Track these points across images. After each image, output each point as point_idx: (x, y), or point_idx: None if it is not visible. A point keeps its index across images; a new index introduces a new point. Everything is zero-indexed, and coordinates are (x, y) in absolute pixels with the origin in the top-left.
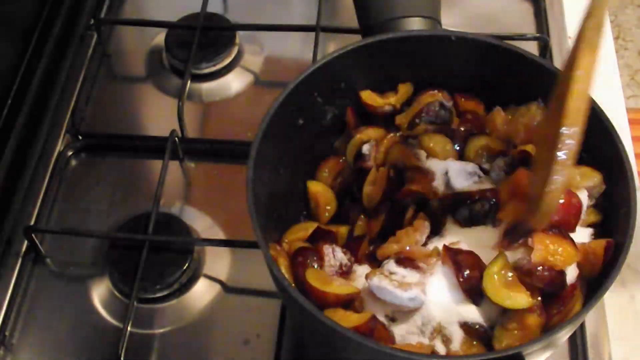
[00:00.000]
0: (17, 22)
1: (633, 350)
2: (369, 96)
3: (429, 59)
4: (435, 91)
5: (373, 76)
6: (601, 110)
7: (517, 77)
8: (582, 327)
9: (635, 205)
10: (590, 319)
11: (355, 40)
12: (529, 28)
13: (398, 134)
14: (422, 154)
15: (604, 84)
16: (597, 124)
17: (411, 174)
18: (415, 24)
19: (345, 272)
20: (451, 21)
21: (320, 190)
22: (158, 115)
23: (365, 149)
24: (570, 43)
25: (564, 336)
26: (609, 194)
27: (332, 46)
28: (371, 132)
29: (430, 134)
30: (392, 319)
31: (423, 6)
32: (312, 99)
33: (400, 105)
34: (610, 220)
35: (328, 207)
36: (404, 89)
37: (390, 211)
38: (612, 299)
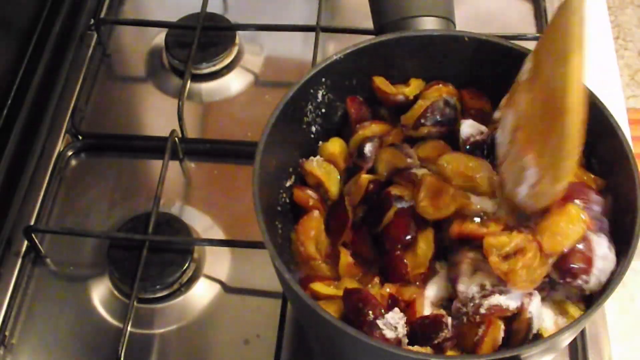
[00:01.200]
0: (17, 22)
1: (633, 350)
2: (382, 82)
3: (441, 58)
4: (440, 85)
5: (385, 75)
6: (607, 110)
7: None
8: None
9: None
10: (590, 318)
11: (355, 40)
12: (529, 28)
13: (400, 130)
14: (413, 152)
15: (604, 84)
16: (602, 124)
17: (398, 178)
18: (429, 24)
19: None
20: None
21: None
22: (158, 115)
23: (367, 149)
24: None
25: (564, 341)
26: (613, 196)
27: (332, 46)
28: (375, 128)
29: (423, 145)
30: None
31: (437, 6)
32: (322, 95)
33: (412, 97)
34: (614, 222)
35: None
36: (416, 83)
37: (371, 207)
38: (612, 299)
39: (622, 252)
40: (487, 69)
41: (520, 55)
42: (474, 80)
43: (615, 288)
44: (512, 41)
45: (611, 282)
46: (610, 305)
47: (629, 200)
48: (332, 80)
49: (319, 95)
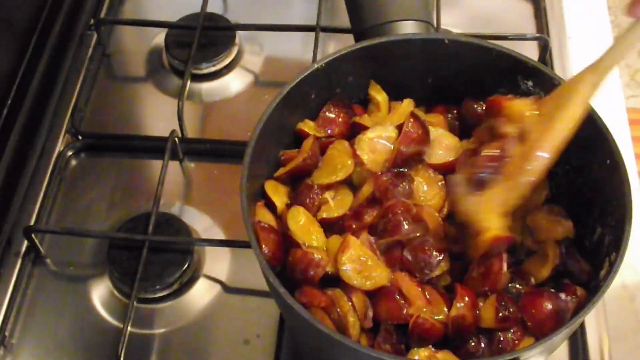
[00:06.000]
0: (17, 22)
1: (633, 350)
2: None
3: (422, 62)
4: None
5: (366, 80)
6: (594, 111)
7: (512, 80)
8: (582, 327)
9: (631, 207)
10: (590, 319)
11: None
12: (529, 28)
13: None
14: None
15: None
16: (591, 125)
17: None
18: (408, 28)
19: None
20: (451, 21)
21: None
22: (158, 115)
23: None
24: (569, 44)
25: (560, 340)
26: (605, 195)
27: (332, 46)
28: None
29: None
30: None
31: (415, 9)
32: (308, 102)
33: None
34: (607, 223)
35: None
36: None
37: None
38: (612, 299)
39: (616, 249)
40: (468, 70)
41: (500, 55)
42: (459, 83)
43: (608, 287)
44: (512, 41)
45: (605, 281)
46: (610, 305)
47: (618, 196)
48: (315, 89)
49: (305, 105)
